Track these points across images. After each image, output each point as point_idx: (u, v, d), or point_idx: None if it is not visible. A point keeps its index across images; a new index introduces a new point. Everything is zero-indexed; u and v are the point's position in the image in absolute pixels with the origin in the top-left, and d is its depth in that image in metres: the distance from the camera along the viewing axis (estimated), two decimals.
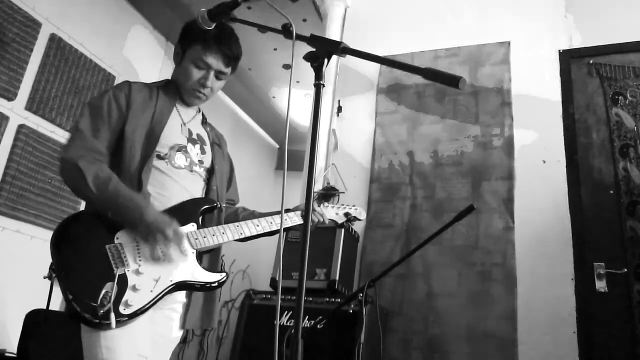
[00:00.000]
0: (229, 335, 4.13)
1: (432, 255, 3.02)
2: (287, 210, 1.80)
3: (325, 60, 1.24)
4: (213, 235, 1.59)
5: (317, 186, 3.34)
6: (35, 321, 2.57)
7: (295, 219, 1.79)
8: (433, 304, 2.92)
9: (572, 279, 2.74)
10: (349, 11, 4.00)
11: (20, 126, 3.25)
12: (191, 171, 1.68)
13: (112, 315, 1.31)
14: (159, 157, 1.61)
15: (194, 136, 1.74)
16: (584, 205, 2.87)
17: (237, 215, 1.87)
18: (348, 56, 1.30)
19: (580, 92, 3.10)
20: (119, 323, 1.34)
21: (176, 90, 1.76)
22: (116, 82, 3.91)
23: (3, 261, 3.06)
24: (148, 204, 1.49)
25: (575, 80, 3.14)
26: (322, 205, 1.96)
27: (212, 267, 1.64)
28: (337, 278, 2.74)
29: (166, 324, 1.59)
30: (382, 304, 2.91)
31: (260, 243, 1.97)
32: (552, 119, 3.09)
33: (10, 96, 3.20)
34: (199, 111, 1.85)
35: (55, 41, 3.51)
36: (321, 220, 1.85)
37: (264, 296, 2.78)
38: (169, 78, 1.80)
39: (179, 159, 1.65)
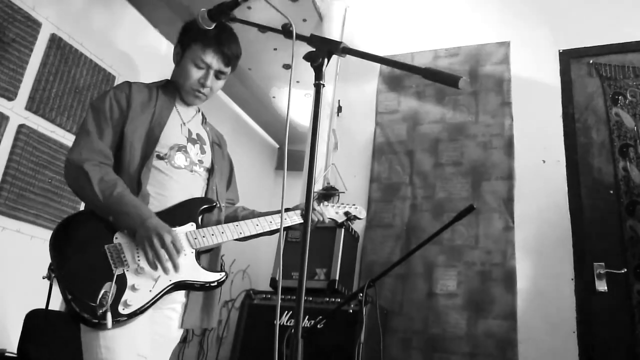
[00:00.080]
0: (229, 335, 4.13)
1: (432, 255, 3.02)
2: (287, 210, 1.80)
3: (325, 60, 1.24)
4: (212, 234, 1.59)
5: (317, 186, 3.34)
6: (35, 321, 2.57)
7: (295, 218, 1.79)
8: (433, 304, 2.92)
9: (572, 279, 2.74)
10: (349, 11, 4.00)
11: (21, 126, 3.24)
12: (191, 171, 1.68)
13: (109, 315, 1.31)
14: (159, 157, 1.61)
15: (194, 136, 1.74)
16: (584, 205, 2.86)
17: (236, 215, 1.87)
18: (348, 56, 1.30)
19: (580, 92, 3.10)
20: (118, 323, 1.34)
21: (176, 90, 1.76)
22: (116, 82, 3.91)
23: (3, 261, 3.06)
24: (151, 214, 1.48)
25: (575, 80, 3.14)
26: (322, 204, 1.96)
27: (211, 267, 1.64)
28: (337, 278, 2.74)
29: (166, 324, 1.58)
30: (382, 304, 2.91)
31: (260, 243, 1.97)
32: (552, 119, 3.09)
33: (10, 96, 3.20)
34: (199, 111, 1.85)
35: (55, 41, 3.51)
36: (321, 219, 1.85)
37: (264, 296, 2.78)
38: (169, 78, 1.80)
39: (179, 158, 1.65)
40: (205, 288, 1.56)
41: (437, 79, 1.16)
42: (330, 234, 2.86)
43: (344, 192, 3.28)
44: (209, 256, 1.68)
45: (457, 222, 1.95)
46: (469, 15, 3.58)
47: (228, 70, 1.75)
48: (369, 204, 3.33)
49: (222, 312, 4.66)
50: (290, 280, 2.73)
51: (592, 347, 2.59)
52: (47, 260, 1.39)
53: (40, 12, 3.43)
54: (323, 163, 3.48)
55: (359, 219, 2.04)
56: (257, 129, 6.60)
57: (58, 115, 3.49)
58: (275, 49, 4.81)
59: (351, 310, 2.52)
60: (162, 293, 1.44)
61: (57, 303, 2.62)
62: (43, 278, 1.39)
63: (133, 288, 1.39)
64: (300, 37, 1.30)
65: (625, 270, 2.66)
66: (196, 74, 1.70)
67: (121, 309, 1.35)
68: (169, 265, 1.45)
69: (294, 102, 5.59)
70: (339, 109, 3.69)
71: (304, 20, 4.20)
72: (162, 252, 1.43)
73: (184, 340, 4.46)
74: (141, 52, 4.28)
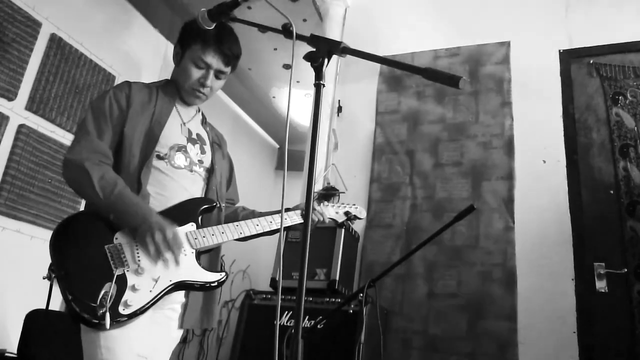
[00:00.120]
0: (229, 335, 4.13)
1: (432, 255, 3.02)
2: (287, 210, 1.80)
3: (326, 60, 1.24)
4: (212, 235, 1.58)
5: (317, 186, 3.34)
6: (36, 321, 2.57)
7: (295, 218, 1.79)
8: (433, 304, 2.92)
9: (572, 279, 2.74)
10: (349, 11, 4.00)
11: (21, 126, 3.25)
12: (191, 171, 1.68)
13: (107, 316, 1.31)
14: (159, 157, 1.61)
15: (194, 136, 1.74)
16: (584, 205, 2.86)
17: (236, 215, 1.87)
18: (348, 56, 1.30)
19: (580, 92, 3.10)
20: (119, 323, 1.34)
21: (176, 90, 1.75)
22: (116, 82, 3.91)
23: (3, 261, 3.06)
24: (152, 211, 1.49)
25: (575, 80, 3.14)
26: (322, 204, 1.96)
27: (211, 267, 1.64)
28: (337, 278, 2.74)
29: (166, 324, 1.58)
30: (382, 304, 2.91)
31: (260, 243, 1.97)
32: (552, 119, 3.09)
33: (11, 96, 3.20)
34: (199, 111, 1.85)
35: (55, 41, 3.51)
36: (321, 219, 1.85)
37: (264, 296, 2.78)
38: (169, 78, 1.80)
39: (179, 158, 1.65)
40: (206, 288, 1.56)
41: (437, 79, 1.16)
42: (331, 234, 2.86)
43: (344, 192, 3.28)
44: (209, 256, 1.68)
45: (457, 222, 1.95)
46: (469, 15, 3.58)
47: (228, 70, 1.75)
48: (369, 204, 3.32)
49: (222, 312, 4.66)
50: (290, 280, 2.73)
51: (592, 347, 2.59)
52: (47, 260, 1.39)
53: (40, 12, 3.43)
54: (323, 163, 3.48)
55: (359, 218, 2.04)
56: (257, 129, 6.61)
57: (58, 115, 3.49)
58: (275, 49, 4.82)
59: (351, 311, 2.52)
60: (162, 293, 1.44)
61: (57, 303, 2.62)
62: (43, 278, 1.39)
63: (133, 288, 1.39)
64: (300, 37, 1.30)
65: (625, 270, 2.66)
66: (196, 73, 1.70)
67: (121, 309, 1.35)
68: (170, 258, 1.45)
69: (294, 102, 5.59)
70: (339, 109, 3.69)
71: (304, 20, 4.20)
72: (164, 246, 1.43)
73: (184, 340, 4.46)
74: (141, 52, 4.28)
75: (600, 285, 2.68)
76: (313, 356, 1.75)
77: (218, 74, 1.73)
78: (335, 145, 3.58)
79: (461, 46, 3.51)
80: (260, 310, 2.74)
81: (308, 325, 2.49)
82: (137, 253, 1.44)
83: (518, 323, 2.73)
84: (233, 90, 5.62)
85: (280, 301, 2.49)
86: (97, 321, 1.31)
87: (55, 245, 1.40)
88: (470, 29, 3.52)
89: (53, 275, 1.36)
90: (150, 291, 1.41)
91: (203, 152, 1.74)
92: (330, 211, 1.97)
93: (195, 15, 1.49)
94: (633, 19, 3.11)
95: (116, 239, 1.45)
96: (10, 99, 3.20)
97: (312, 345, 1.97)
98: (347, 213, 1.99)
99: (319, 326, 2.31)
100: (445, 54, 3.53)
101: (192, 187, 1.67)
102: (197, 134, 1.76)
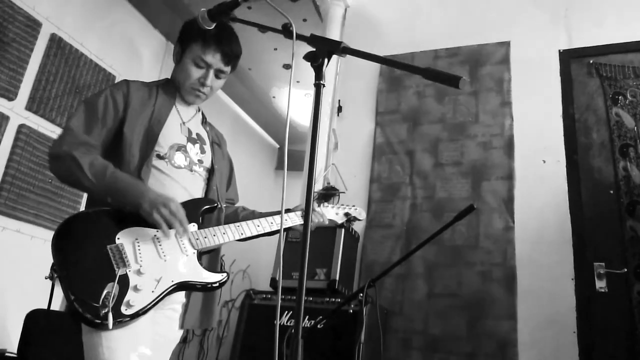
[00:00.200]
0: (229, 335, 4.13)
1: (432, 255, 3.02)
2: (287, 210, 1.80)
3: (326, 60, 1.24)
4: (214, 235, 1.59)
5: (317, 186, 3.34)
6: (36, 321, 2.57)
7: (295, 219, 1.79)
8: (433, 304, 2.92)
9: (572, 279, 2.74)
10: (349, 11, 4.01)
11: (21, 126, 3.25)
12: (191, 171, 1.68)
13: (110, 316, 1.31)
14: (159, 157, 1.61)
15: (194, 135, 1.74)
16: (584, 205, 2.87)
17: (236, 215, 1.87)
18: (348, 56, 1.30)
19: (580, 92, 3.10)
20: (121, 323, 1.34)
21: (176, 89, 1.75)
22: (116, 82, 3.91)
23: (3, 261, 3.06)
24: (147, 187, 1.51)
25: (575, 80, 3.14)
26: (322, 205, 1.96)
27: (212, 267, 1.64)
28: (337, 278, 2.74)
29: (167, 324, 1.58)
30: (382, 304, 2.91)
31: (260, 243, 1.97)
32: (552, 119, 3.09)
33: (11, 96, 3.20)
34: (199, 110, 1.85)
35: (55, 41, 3.51)
36: (321, 220, 1.85)
37: (264, 296, 2.78)
38: (169, 77, 1.80)
39: (179, 158, 1.65)
40: (207, 289, 1.56)
41: (437, 79, 1.16)
42: (331, 234, 2.87)
43: (344, 192, 3.28)
44: (209, 256, 1.68)
45: (457, 222, 1.95)
46: (469, 15, 3.58)
47: (228, 69, 1.75)
48: (369, 204, 3.33)
49: (222, 312, 4.67)
50: (290, 280, 2.73)
51: (592, 347, 2.59)
52: (47, 260, 1.39)
53: (40, 12, 3.43)
54: (323, 163, 3.48)
55: (359, 220, 2.04)
56: (257, 129, 6.60)
57: (58, 115, 3.49)
58: (275, 49, 4.81)
59: (351, 310, 2.52)
60: (164, 293, 1.44)
61: (57, 303, 2.63)
62: (45, 278, 1.39)
63: (135, 288, 1.39)
64: (300, 37, 1.30)
65: (625, 270, 2.66)
66: (196, 73, 1.70)
67: (124, 310, 1.35)
68: (180, 229, 1.48)
69: (294, 102, 5.59)
70: (339, 109, 3.69)
71: (304, 20, 4.20)
72: (174, 220, 1.45)
73: (184, 340, 4.46)
74: (141, 52, 4.28)
75: (600, 285, 2.68)
76: (313, 356, 1.75)
77: (218, 74, 1.73)
78: (335, 145, 3.58)
79: (461, 46, 3.51)
80: (260, 310, 2.74)
81: (308, 325, 2.50)
82: (139, 253, 1.44)
83: (518, 323, 2.73)
84: (233, 90, 5.62)
85: (280, 301, 2.49)
86: (99, 321, 1.31)
87: (58, 245, 1.40)
88: (470, 29, 3.52)
89: (55, 275, 1.36)
90: (153, 291, 1.41)
91: (203, 151, 1.74)
92: (330, 212, 1.97)
93: (196, 15, 1.49)
94: (633, 18, 3.11)
95: (118, 239, 1.45)
96: (10, 99, 3.20)
97: (312, 345, 1.97)
98: (346, 214, 1.99)
99: (319, 326, 2.31)
100: (445, 54, 3.54)
101: (192, 187, 1.67)
102: (197, 134, 1.76)
